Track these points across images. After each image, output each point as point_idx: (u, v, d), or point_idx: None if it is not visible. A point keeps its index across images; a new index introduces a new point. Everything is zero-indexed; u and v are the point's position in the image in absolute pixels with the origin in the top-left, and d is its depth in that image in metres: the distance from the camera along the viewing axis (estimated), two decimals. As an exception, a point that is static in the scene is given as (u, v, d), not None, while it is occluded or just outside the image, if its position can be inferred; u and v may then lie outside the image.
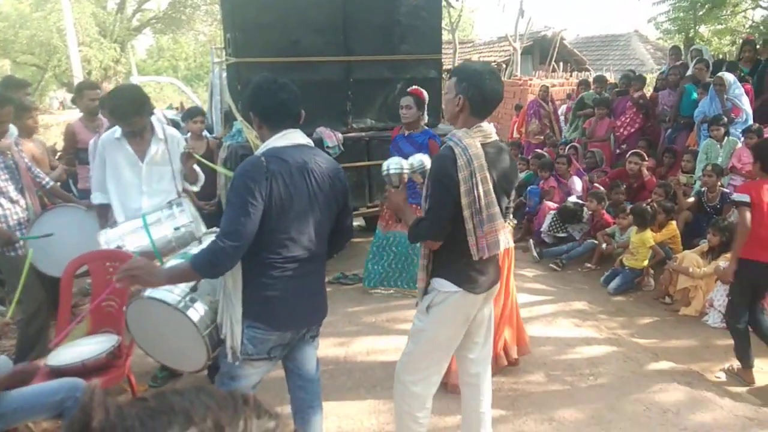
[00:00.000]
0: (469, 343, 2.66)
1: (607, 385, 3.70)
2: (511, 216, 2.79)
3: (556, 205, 6.69)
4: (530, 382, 3.73)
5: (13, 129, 4.35)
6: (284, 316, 2.28)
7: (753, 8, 13.93)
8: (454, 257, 2.42)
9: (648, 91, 8.94)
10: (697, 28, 13.82)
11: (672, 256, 5.37)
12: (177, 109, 14.07)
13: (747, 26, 14.48)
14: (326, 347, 4.04)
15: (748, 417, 3.30)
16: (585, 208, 6.44)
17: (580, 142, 8.41)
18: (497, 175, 2.38)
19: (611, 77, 12.08)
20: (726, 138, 6.26)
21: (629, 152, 6.93)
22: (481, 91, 2.33)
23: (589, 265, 6.09)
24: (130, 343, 3.09)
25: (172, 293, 2.39)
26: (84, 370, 2.79)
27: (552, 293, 5.39)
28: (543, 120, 9.73)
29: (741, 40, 9.32)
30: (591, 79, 10.12)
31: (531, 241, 6.63)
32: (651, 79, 10.94)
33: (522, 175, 7.50)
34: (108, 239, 3.07)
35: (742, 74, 7.15)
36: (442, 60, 6.69)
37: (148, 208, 3.29)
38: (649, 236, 5.41)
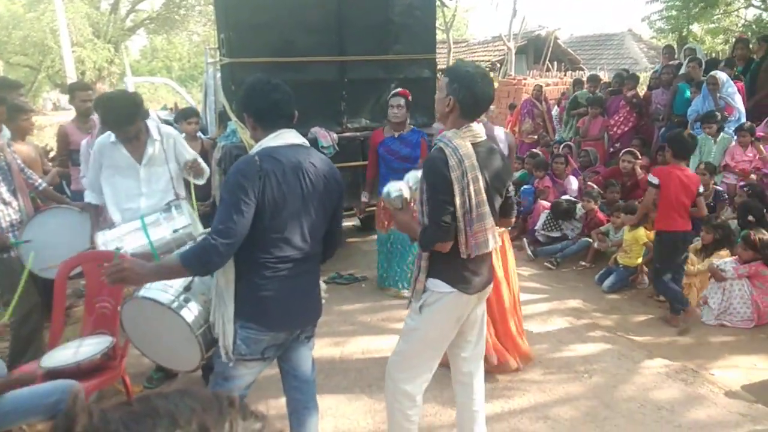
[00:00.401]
0: (462, 342, 2.67)
1: (602, 382, 3.71)
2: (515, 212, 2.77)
3: (550, 205, 6.70)
4: (525, 380, 3.74)
5: (5, 130, 4.34)
6: (277, 317, 2.27)
7: (746, 7, 13.99)
8: (449, 258, 2.42)
9: (641, 89, 8.98)
10: (690, 27, 13.87)
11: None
12: (171, 109, 14.02)
13: (740, 25, 14.55)
14: (321, 347, 4.03)
15: (742, 413, 3.32)
16: (578, 206, 6.45)
17: (575, 141, 8.43)
18: (489, 175, 2.39)
19: (605, 76, 12.12)
20: (720, 134, 6.28)
21: (623, 151, 6.95)
22: (472, 94, 2.34)
23: (583, 263, 6.10)
24: (124, 344, 3.08)
25: (166, 293, 2.39)
26: (79, 371, 2.78)
27: (547, 291, 5.40)
28: (536, 119, 9.75)
29: (734, 39, 9.37)
30: (585, 79, 10.15)
31: (525, 239, 6.64)
32: (644, 78, 10.97)
33: (516, 174, 7.52)
34: (106, 240, 3.06)
35: (736, 72, 7.18)
36: (437, 60, 6.70)
37: (146, 209, 3.28)
38: (642, 233, 5.42)
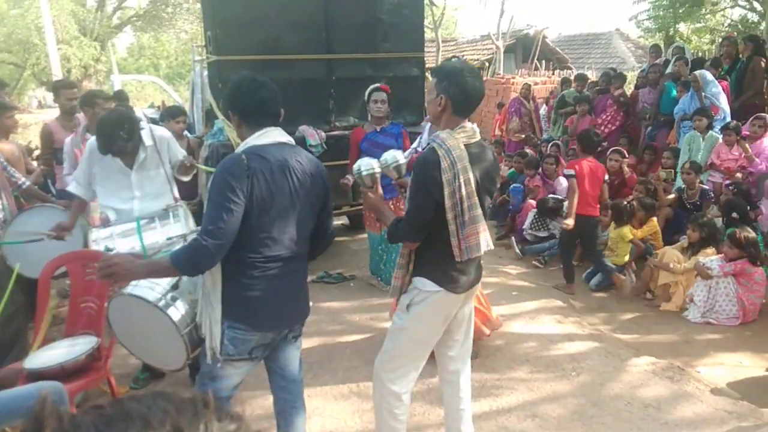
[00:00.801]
0: (449, 340, 2.67)
1: (589, 380, 3.72)
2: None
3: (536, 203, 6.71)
4: (513, 378, 3.75)
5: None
6: (265, 317, 2.25)
7: (732, 7, 14.09)
8: (437, 257, 2.41)
9: (629, 88, 9.03)
10: (676, 26, 13.96)
11: (653, 252, 5.42)
12: (158, 107, 13.94)
13: (726, 25, 14.67)
14: (309, 346, 4.02)
15: (728, 410, 3.35)
16: (565, 204, 6.45)
17: (563, 140, 8.46)
18: (480, 174, 2.37)
19: (593, 75, 12.18)
20: (709, 132, 6.31)
21: (610, 149, 6.98)
22: (462, 89, 2.32)
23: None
24: (109, 345, 3.06)
25: (154, 291, 2.37)
26: (63, 372, 2.74)
27: (534, 290, 5.41)
28: (524, 118, 9.78)
29: (720, 38, 9.44)
30: (572, 78, 10.19)
31: (513, 238, 6.65)
32: (632, 77, 11.04)
33: (505, 172, 7.54)
34: (99, 237, 3.01)
35: (721, 72, 7.23)
36: (425, 58, 6.70)
37: (139, 212, 3.24)
38: (627, 231, 5.45)
